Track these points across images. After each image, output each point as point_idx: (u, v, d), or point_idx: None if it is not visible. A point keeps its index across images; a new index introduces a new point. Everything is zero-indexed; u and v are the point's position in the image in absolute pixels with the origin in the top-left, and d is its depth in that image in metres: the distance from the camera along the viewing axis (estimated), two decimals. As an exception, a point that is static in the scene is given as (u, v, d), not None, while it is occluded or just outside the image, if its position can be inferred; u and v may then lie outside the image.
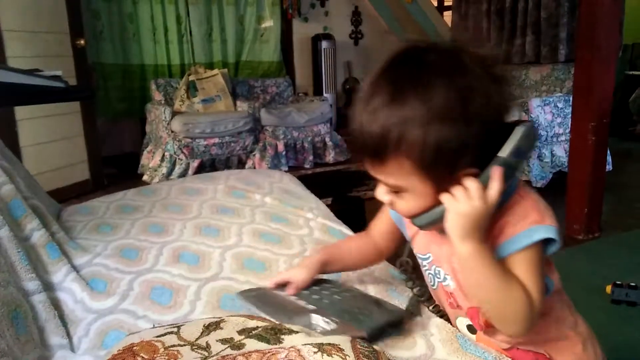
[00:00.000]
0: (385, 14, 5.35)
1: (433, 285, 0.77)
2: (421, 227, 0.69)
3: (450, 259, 0.71)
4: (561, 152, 3.42)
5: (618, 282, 1.79)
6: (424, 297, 0.81)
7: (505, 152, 0.62)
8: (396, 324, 0.75)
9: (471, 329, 0.75)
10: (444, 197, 0.63)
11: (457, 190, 0.62)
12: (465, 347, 0.71)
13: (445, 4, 5.81)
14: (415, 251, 0.79)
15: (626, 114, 5.19)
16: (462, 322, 0.76)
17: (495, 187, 0.62)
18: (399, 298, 0.90)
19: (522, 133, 0.63)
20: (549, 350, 0.72)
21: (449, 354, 0.70)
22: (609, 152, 3.18)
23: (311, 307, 0.76)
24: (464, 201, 0.62)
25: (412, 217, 0.68)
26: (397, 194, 0.66)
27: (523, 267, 0.64)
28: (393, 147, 0.61)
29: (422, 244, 0.77)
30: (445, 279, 0.74)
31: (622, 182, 3.44)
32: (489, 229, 0.65)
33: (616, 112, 4.43)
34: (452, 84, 0.60)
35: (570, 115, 2.67)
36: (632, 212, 2.71)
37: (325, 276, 0.89)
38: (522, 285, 0.63)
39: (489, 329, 0.70)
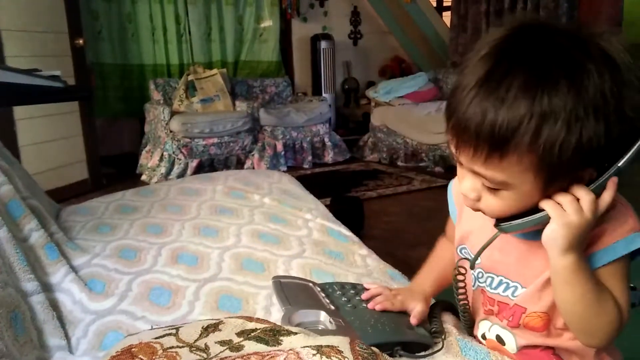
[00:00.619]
0: (384, 14, 5.35)
1: (472, 287, 0.74)
2: (506, 232, 0.63)
3: (520, 267, 0.67)
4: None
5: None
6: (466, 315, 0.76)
7: (623, 162, 0.57)
8: (413, 347, 0.72)
9: (484, 336, 0.74)
10: (548, 206, 0.58)
11: (565, 198, 0.57)
12: (465, 351, 0.71)
13: (444, 4, 5.81)
14: (460, 243, 0.76)
15: (625, 114, 5.20)
16: (485, 325, 0.74)
17: (607, 199, 0.57)
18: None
19: None
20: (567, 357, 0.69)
21: (448, 358, 0.70)
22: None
23: (331, 307, 0.76)
24: (574, 213, 0.56)
25: (501, 219, 0.62)
26: (496, 191, 0.59)
27: (616, 278, 0.60)
28: (523, 141, 0.53)
29: (476, 244, 0.71)
30: (497, 287, 0.70)
31: (624, 182, 3.44)
32: None
33: None
34: (603, 75, 0.53)
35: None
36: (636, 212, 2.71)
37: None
38: (614, 298, 0.60)
39: (524, 330, 0.67)
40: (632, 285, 1.92)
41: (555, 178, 0.57)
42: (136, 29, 4.48)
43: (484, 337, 0.75)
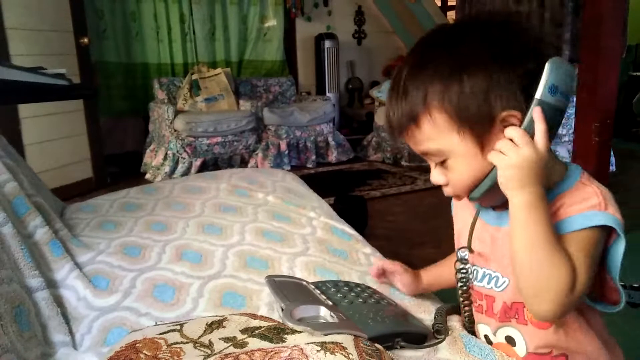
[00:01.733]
0: (388, 13, 5.35)
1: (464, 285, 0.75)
2: (479, 201, 0.67)
3: (497, 256, 0.68)
4: (565, 152, 3.41)
5: (621, 283, 1.78)
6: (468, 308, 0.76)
7: (539, 92, 0.59)
8: (413, 339, 0.72)
9: (488, 339, 0.74)
10: (491, 155, 0.61)
11: (501, 143, 0.60)
12: (469, 347, 0.71)
13: (449, 4, 5.80)
14: (458, 246, 0.77)
15: (630, 114, 5.18)
16: (484, 329, 0.74)
17: (540, 128, 0.59)
18: (402, 297, 0.90)
19: (549, 69, 0.59)
20: None
21: (452, 354, 0.70)
22: (612, 152, 3.18)
23: (329, 302, 0.76)
24: (511, 152, 0.59)
25: (469, 191, 0.66)
26: (445, 166, 0.65)
27: (575, 246, 0.60)
28: (421, 103, 0.62)
29: (464, 241, 0.74)
30: (482, 280, 0.71)
31: (625, 183, 3.44)
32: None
33: (620, 113, 4.42)
34: (476, 34, 0.62)
35: (574, 116, 2.66)
36: (635, 213, 2.71)
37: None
38: (571, 262, 0.59)
39: (533, 328, 0.67)
40: (637, 285, 1.90)
41: (477, 129, 0.61)
42: (140, 28, 4.49)
43: (488, 341, 0.74)
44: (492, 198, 0.66)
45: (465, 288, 0.74)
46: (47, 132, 3.21)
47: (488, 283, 0.71)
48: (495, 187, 0.62)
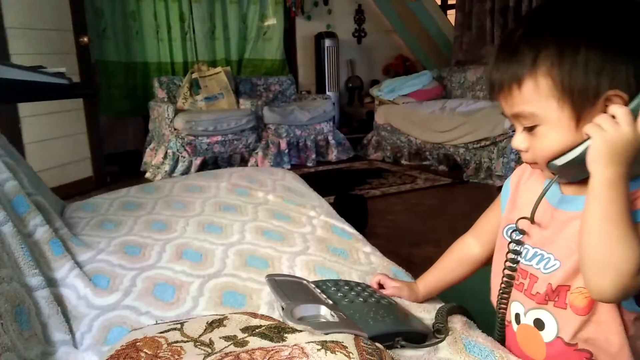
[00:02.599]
0: (388, 12, 5.34)
1: (504, 262, 0.74)
2: (560, 173, 0.65)
3: (556, 238, 0.68)
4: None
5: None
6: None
7: None
8: (413, 338, 0.73)
9: (517, 318, 0.73)
10: (588, 127, 0.60)
11: (601, 118, 0.59)
12: (469, 348, 0.71)
13: (449, 2, 5.80)
14: (507, 223, 0.77)
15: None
16: (517, 307, 0.74)
17: None
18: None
19: None
20: None
21: (452, 354, 0.70)
22: None
23: (330, 301, 0.76)
24: (610, 128, 0.58)
25: (552, 159, 0.65)
26: (533, 132, 0.65)
27: None
28: (530, 64, 0.62)
29: (521, 220, 0.74)
30: (531, 259, 0.71)
31: None
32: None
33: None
34: (601, 8, 0.61)
35: None
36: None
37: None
38: None
39: (569, 312, 0.67)
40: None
41: (579, 101, 0.61)
42: (140, 27, 4.49)
43: (518, 320, 0.73)
44: (570, 172, 0.65)
45: (514, 265, 0.73)
46: (47, 131, 3.21)
47: (537, 263, 0.70)
48: (578, 160, 0.62)
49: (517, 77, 0.63)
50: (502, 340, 0.78)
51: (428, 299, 0.90)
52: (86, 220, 1.23)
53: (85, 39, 3.51)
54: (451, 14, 5.29)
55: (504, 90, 0.65)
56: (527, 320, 0.72)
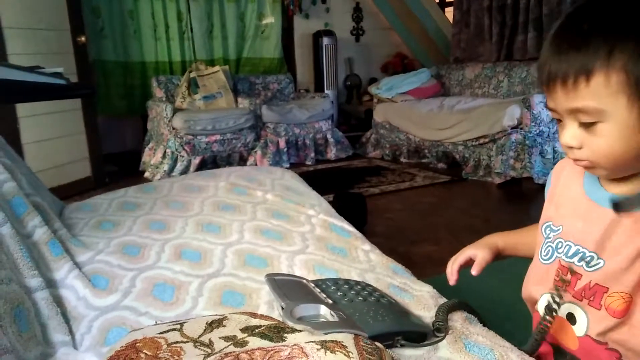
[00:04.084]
0: (386, 10, 5.34)
1: (548, 260, 0.73)
2: (624, 209, 0.61)
3: (602, 238, 0.66)
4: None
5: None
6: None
7: None
8: (413, 337, 0.72)
9: (549, 309, 0.71)
10: None
11: None
12: (468, 347, 0.71)
13: (447, 0, 5.79)
14: (545, 220, 0.76)
15: None
16: (545, 298, 0.72)
17: None
18: (401, 294, 0.90)
19: None
20: None
21: (452, 353, 0.70)
22: None
23: (329, 301, 0.76)
24: None
25: (606, 162, 0.62)
26: (591, 129, 0.61)
27: None
28: (604, 57, 0.57)
29: (565, 215, 0.72)
30: (573, 257, 0.69)
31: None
32: None
33: None
34: None
35: None
36: None
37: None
38: None
39: (604, 313, 0.66)
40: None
41: None
42: (138, 26, 4.48)
43: (551, 311, 0.71)
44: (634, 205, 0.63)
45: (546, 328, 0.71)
46: (45, 131, 3.20)
47: (579, 261, 0.69)
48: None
49: (586, 68, 0.58)
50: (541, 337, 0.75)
51: (428, 295, 0.90)
52: (85, 220, 1.23)
53: (83, 39, 3.50)
54: (449, 12, 5.28)
55: (567, 82, 0.60)
56: (561, 312, 0.71)
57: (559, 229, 0.72)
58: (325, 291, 0.81)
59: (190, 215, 1.25)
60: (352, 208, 2.53)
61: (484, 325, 0.79)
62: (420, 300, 0.89)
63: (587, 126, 0.61)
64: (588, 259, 0.68)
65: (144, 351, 0.61)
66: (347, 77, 5.51)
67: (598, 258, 0.67)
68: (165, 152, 3.94)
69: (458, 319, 0.78)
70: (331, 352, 0.56)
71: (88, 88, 2.90)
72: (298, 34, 5.25)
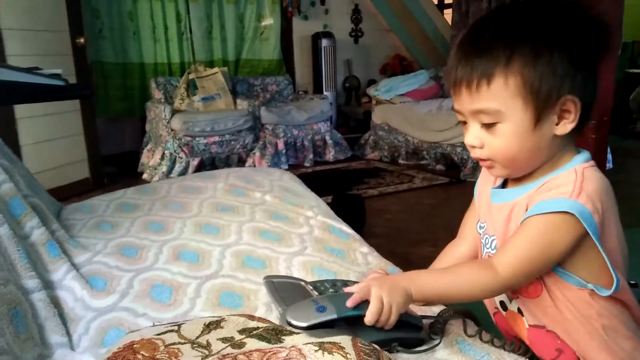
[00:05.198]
0: (385, 11, 5.34)
1: (483, 257, 0.78)
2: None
3: (502, 227, 0.72)
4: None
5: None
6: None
7: None
8: (409, 343, 0.72)
9: (503, 305, 0.77)
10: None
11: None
12: (464, 350, 0.71)
13: (446, 1, 5.80)
14: (477, 219, 0.81)
15: (626, 112, 5.18)
16: (500, 296, 0.78)
17: None
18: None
19: None
20: (581, 352, 0.70)
21: (450, 355, 0.70)
22: (609, 150, 3.18)
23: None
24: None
25: (504, 160, 0.69)
26: (492, 130, 0.67)
27: (527, 231, 0.65)
28: (504, 62, 0.63)
29: (482, 213, 0.79)
30: (490, 246, 0.75)
31: (622, 180, 3.44)
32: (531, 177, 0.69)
33: (616, 110, 4.42)
34: (570, 15, 0.65)
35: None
36: (631, 210, 2.71)
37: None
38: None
39: (523, 298, 0.72)
40: (633, 282, 1.90)
41: (541, 107, 0.64)
42: (137, 27, 4.48)
43: (504, 307, 0.77)
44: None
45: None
46: (43, 132, 3.20)
47: (494, 249, 0.74)
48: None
49: (488, 73, 0.64)
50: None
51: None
52: (83, 221, 1.23)
53: (82, 40, 3.50)
54: (448, 13, 5.29)
55: (472, 86, 0.66)
56: (513, 307, 0.76)
57: (484, 226, 0.77)
58: (323, 293, 0.81)
59: (189, 216, 1.25)
60: (351, 209, 2.52)
61: (489, 334, 0.78)
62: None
63: (488, 127, 0.67)
64: (492, 241, 0.75)
65: (142, 352, 0.61)
66: (345, 79, 5.51)
67: (491, 236, 0.74)
68: (163, 153, 3.94)
69: (455, 323, 0.78)
70: (329, 353, 0.56)
71: (86, 89, 2.89)
72: (297, 36, 5.25)
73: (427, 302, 0.77)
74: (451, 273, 0.71)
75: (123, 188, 1.50)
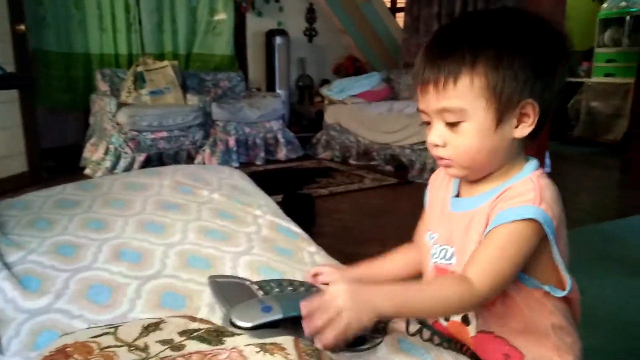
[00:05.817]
0: (339, 12, 5.38)
1: (430, 266, 0.79)
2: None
3: (462, 236, 0.73)
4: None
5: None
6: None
7: None
8: (350, 342, 0.70)
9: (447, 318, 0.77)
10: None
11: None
12: (405, 349, 0.72)
13: (398, 5, 5.90)
14: (426, 229, 0.82)
15: (565, 118, 5.45)
16: None
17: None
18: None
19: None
20: (528, 352, 0.72)
21: (390, 353, 0.71)
22: (548, 154, 3.33)
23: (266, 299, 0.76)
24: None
25: (465, 159, 0.70)
26: (455, 128, 0.69)
27: (497, 240, 0.66)
28: (470, 63, 0.66)
29: (434, 223, 0.80)
30: (443, 257, 0.76)
31: (559, 184, 3.59)
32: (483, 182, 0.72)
33: (556, 117, 4.63)
34: (533, 24, 0.69)
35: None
36: (568, 213, 2.85)
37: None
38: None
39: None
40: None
41: (503, 108, 0.67)
42: (83, 16, 4.31)
43: (446, 317, 0.77)
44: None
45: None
46: (-23, 122, 3.03)
47: (449, 258, 0.75)
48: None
49: (455, 72, 0.67)
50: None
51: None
52: (17, 218, 1.17)
53: (22, 27, 3.33)
54: (400, 17, 5.38)
55: (439, 84, 0.68)
56: (456, 317, 0.77)
57: (435, 237, 0.79)
58: (269, 293, 0.81)
59: (131, 214, 1.21)
60: (301, 209, 2.52)
61: (429, 331, 0.80)
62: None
63: (452, 126, 0.69)
64: (450, 253, 0.75)
65: (75, 356, 0.59)
66: (299, 78, 5.51)
67: (459, 255, 0.74)
68: (107, 148, 3.80)
69: (399, 322, 0.79)
70: (270, 354, 0.55)
71: (26, 79, 2.75)
72: (250, 32, 5.20)
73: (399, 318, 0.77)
74: (427, 289, 0.70)
75: (63, 183, 1.44)
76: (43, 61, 4.14)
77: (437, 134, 0.71)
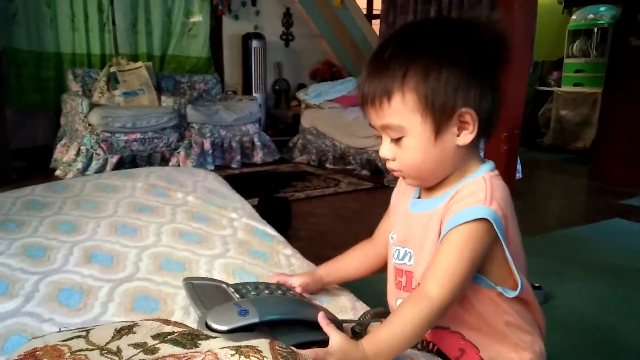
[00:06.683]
0: (316, 17, 5.40)
1: (390, 266, 0.80)
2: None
3: (420, 236, 0.74)
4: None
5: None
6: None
7: None
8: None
9: None
10: None
11: None
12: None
13: (374, 12, 5.95)
14: (390, 229, 0.83)
15: (535, 126, 5.58)
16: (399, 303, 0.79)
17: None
18: (320, 299, 0.91)
19: None
20: (484, 348, 0.73)
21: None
22: (519, 160, 3.40)
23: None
24: None
25: (413, 170, 0.72)
26: (399, 143, 0.70)
27: (452, 245, 0.67)
28: (400, 80, 0.67)
29: (396, 224, 0.81)
30: (403, 258, 0.77)
31: (530, 190, 3.69)
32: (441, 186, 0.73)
33: (527, 125, 4.74)
34: (462, 34, 0.69)
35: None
36: (537, 218, 2.92)
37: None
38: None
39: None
40: (537, 284, 2.04)
41: (439, 119, 0.68)
42: (55, 14, 4.22)
43: None
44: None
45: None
46: (-58, 121, 2.93)
47: (409, 260, 0.76)
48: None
49: (387, 90, 0.68)
50: None
51: (346, 298, 0.92)
52: (-16, 220, 1.13)
53: (-9, 24, 3.25)
54: (376, 24, 5.43)
55: (375, 103, 0.70)
56: None
57: (394, 237, 0.81)
58: (245, 295, 0.80)
59: (103, 216, 1.19)
60: (277, 212, 2.52)
61: None
62: (338, 304, 0.90)
63: (396, 141, 0.71)
64: (409, 255, 0.77)
65: (44, 360, 0.57)
66: (275, 82, 5.51)
67: (409, 248, 0.77)
68: (79, 149, 3.73)
69: (377, 325, 0.80)
70: (245, 357, 0.55)
71: (-6, 77, 2.68)
72: (227, 35, 5.17)
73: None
74: (394, 321, 0.68)
75: (32, 184, 1.40)
76: (13, 60, 4.04)
77: (386, 148, 0.73)
